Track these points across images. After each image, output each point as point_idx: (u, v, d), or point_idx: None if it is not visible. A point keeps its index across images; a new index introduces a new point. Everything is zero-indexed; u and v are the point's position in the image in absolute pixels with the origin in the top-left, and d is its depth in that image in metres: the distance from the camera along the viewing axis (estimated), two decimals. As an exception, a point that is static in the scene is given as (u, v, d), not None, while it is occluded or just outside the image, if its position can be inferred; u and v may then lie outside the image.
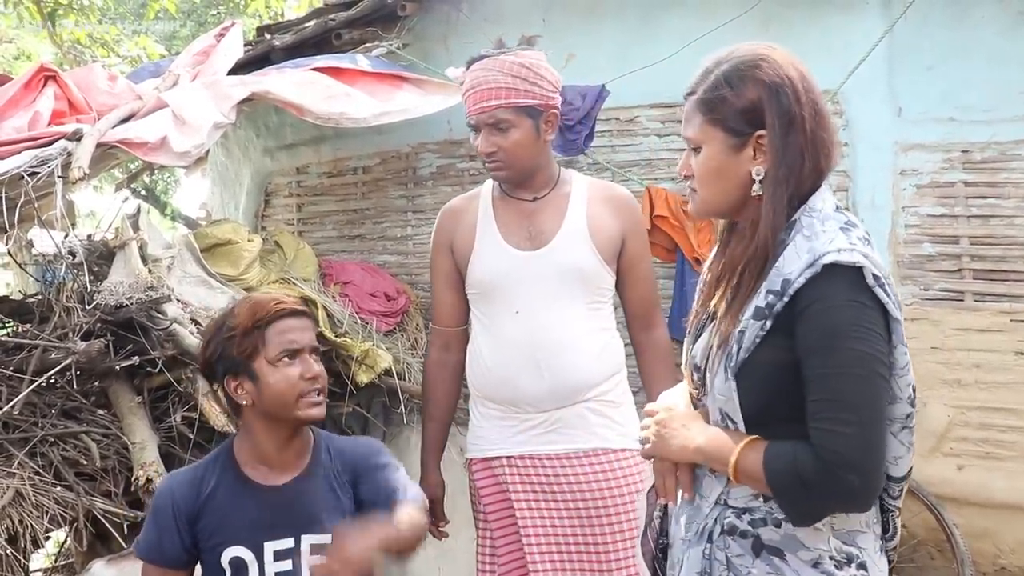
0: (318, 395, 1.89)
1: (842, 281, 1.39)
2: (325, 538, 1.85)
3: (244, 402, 1.86)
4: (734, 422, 1.51)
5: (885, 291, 1.40)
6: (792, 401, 1.44)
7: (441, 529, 2.70)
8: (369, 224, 4.89)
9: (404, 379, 3.97)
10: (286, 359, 1.84)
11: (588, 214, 2.45)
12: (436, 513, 2.66)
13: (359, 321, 3.97)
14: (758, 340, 1.45)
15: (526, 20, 4.29)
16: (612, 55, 4.01)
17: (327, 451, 1.98)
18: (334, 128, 4.14)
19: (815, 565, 1.47)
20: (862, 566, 1.49)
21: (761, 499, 1.50)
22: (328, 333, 3.76)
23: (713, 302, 1.62)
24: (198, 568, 1.94)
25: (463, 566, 4.15)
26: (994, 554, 3.58)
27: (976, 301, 3.58)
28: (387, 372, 3.90)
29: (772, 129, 1.47)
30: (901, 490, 1.59)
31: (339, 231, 5.01)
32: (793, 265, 1.43)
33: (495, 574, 2.54)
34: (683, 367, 1.74)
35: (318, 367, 1.90)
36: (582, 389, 2.40)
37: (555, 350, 2.38)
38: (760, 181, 1.50)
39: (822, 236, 1.43)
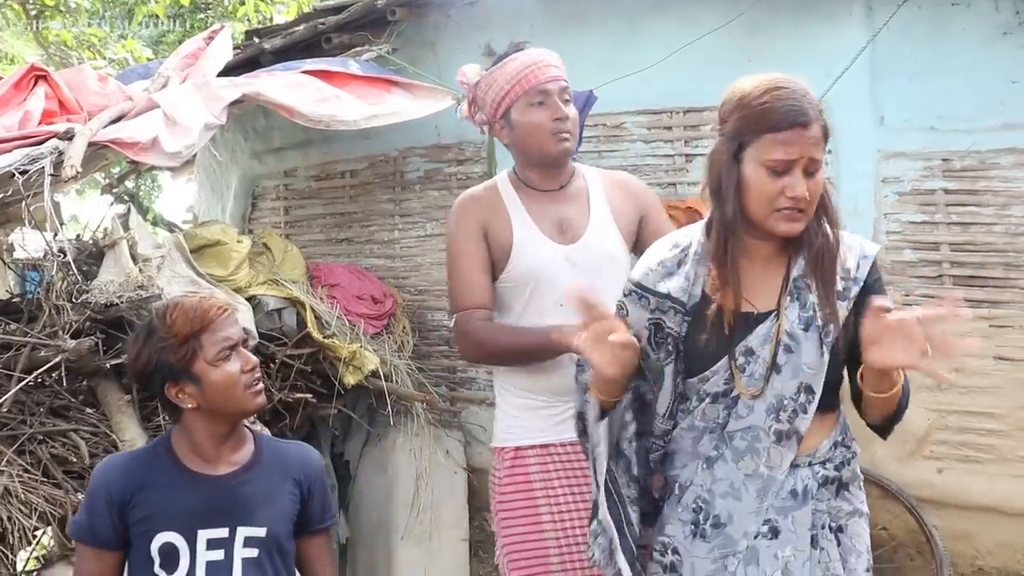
0: (258, 383, 1.93)
1: (877, 262, 1.83)
2: (260, 531, 1.89)
3: (188, 405, 1.86)
4: (813, 393, 1.75)
5: None
6: (840, 367, 1.80)
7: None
8: (356, 228, 4.92)
9: (391, 381, 3.99)
10: (225, 356, 1.87)
11: (609, 203, 2.51)
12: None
13: (347, 323, 3.99)
14: (843, 320, 1.75)
15: (514, 26, 4.34)
16: (599, 62, 4.06)
17: (268, 450, 2.01)
18: (322, 132, 4.18)
19: (860, 488, 1.88)
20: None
21: (833, 447, 1.82)
22: (316, 334, 3.78)
23: (728, 308, 1.79)
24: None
25: (449, 567, 4.19)
26: (972, 556, 3.63)
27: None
28: (374, 374, 3.92)
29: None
30: None
31: (326, 234, 5.03)
32: (847, 255, 1.79)
33: (515, 566, 2.47)
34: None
35: (253, 357, 1.94)
36: None
37: None
38: None
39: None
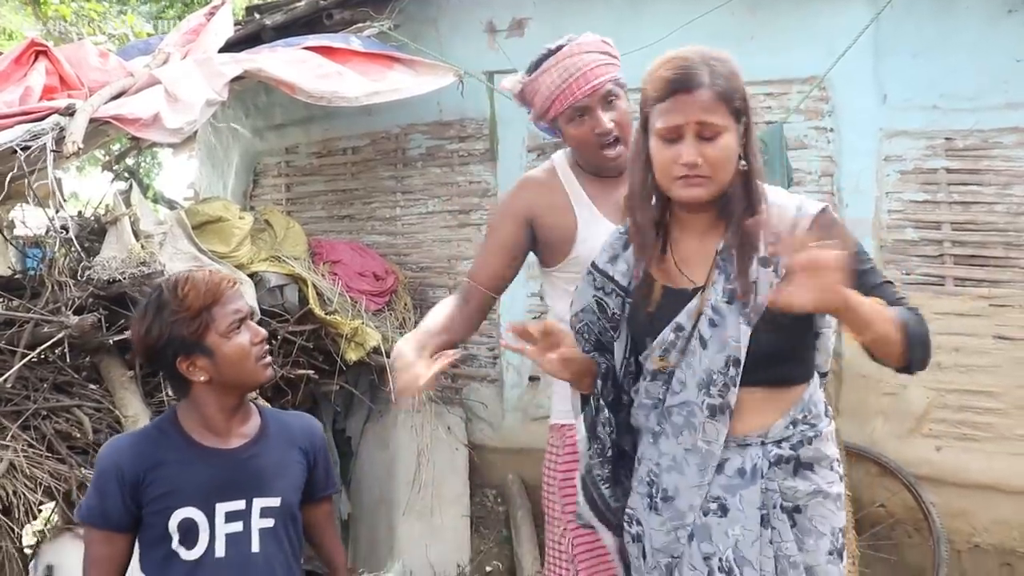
0: (267, 355, 1.95)
1: (829, 216, 1.75)
2: (275, 501, 1.91)
3: (201, 378, 1.87)
4: (737, 365, 1.72)
5: None
6: (793, 339, 1.74)
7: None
8: (358, 204, 4.92)
9: (392, 357, 4.00)
10: (235, 328, 1.88)
11: None
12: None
13: (348, 299, 4.00)
14: (771, 286, 1.68)
15: (517, 3, 4.32)
16: (602, 39, 4.04)
17: (273, 421, 2.03)
18: (324, 108, 4.16)
19: (831, 468, 1.79)
20: (839, 461, 1.84)
21: (792, 426, 1.76)
22: (318, 311, 3.80)
23: (659, 285, 1.81)
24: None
25: (450, 543, 4.22)
26: (969, 533, 3.66)
27: (956, 286, 3.65)
28: (376, 350, 3.94)
29: (750, 115, 1.73)
30: None
31: (328, 211, 5.03)
32: (779, 219, 1.72)
33: (580, 540, 2.44)
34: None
35: (262, 330, 1.96)
36: None
37: None
38: (743, 157, 1.73)
39: (772, 192, 1.78)
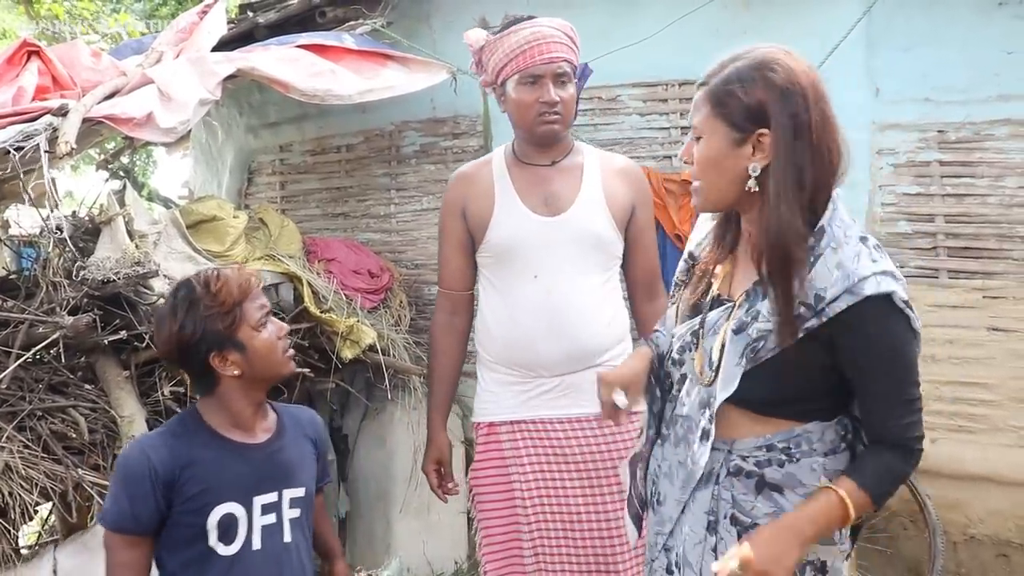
0: (290, 348, 2.01)
1: (882, 306, 1.52)
2: (300, 492, 1.99)
3: (234, 372, 1.89)
4: (714, 399, 1.63)
5: (911, 310, 1.55)
6: (799, 385, 1.60)
7: (450, 487, 2.69)
8: (352, 202, 4.92)
9: (388, 355, 4.01)
10: (263, 322, 1.93)
11: (603, 183, 2.49)
12: (443, 473, 2.67)
13: (344, 297, 4.00)
14: (778, 335, 1.55)
15: (509, -1, 4.31)
16: (594, 34, 4.01)
17: (285, 415, 2.09)
18: (317, 106, 4.16)
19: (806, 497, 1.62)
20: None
21: (765, 449, 1.64)
22: (313, 309, 3.79)
23: (716, 285, 1.74)
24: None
25: (447, 540, 4.22)
26: (964, 524, 3.67)
27: (950, 278, 3.66)
28: (371, 348, 3.94)
29: (777, 130, 1.53)
30: None
31: (322, 209, 5.03)
32: (826, 282, 1.52)
33: (488, 542, 2.56)
34: (672, 336, 1.83)
35: (284, 324, 2.02)
36: (595, 354, 2.45)
37: (572, 315, 2.43)
38: (755, 177, 1.56)
39: (847, 249, 1.53)
